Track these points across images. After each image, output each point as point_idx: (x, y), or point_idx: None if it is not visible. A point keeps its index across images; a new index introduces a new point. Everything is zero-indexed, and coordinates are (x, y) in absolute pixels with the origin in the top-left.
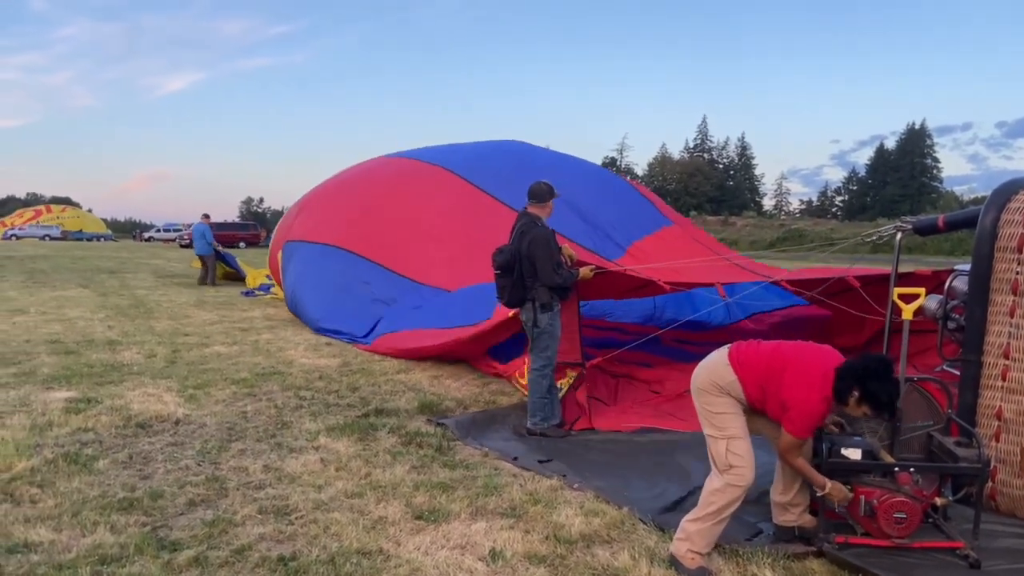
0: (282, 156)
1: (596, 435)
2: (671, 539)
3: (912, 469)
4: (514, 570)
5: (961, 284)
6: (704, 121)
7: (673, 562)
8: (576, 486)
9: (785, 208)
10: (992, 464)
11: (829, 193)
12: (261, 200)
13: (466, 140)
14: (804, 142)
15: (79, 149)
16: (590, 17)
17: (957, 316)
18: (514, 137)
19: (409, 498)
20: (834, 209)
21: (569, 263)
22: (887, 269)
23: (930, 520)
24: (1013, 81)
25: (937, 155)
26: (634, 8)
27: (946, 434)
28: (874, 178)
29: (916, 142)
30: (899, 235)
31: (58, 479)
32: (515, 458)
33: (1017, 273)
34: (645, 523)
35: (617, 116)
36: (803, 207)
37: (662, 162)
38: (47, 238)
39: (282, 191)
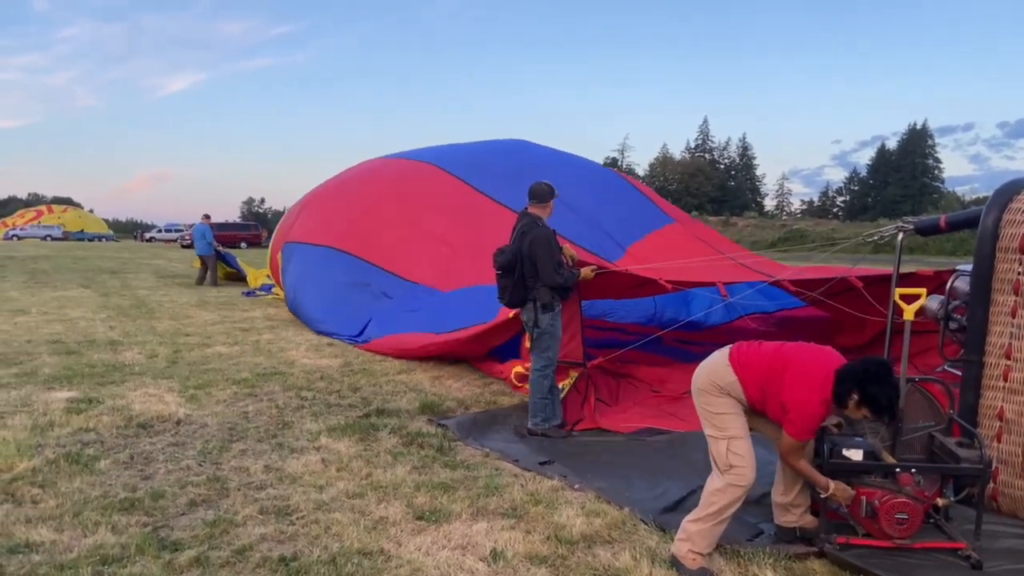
0: (283, 156)
1: (597, 435)
2: (672, 539)
3: (914, 470)
4: (515, 570)
5: (963, 284)
6: (705, 121)
7: (674, 562)
8: (577, 486)
9: (786, 208)
10: (994, 465)
11: (830, 193)
12: (262, 200)
13: (466, 140)
14: (805, 142)
15: (81, 149)
16: (591, 17)
17: (959, 316)
18: (515, 138)
19: (410, 498)
20: (835, 209)
21: (570, 263)
22: (889, 269)
23: (931, 521)
24: (1014, 81)
25: (939, 155)
26: (635, 8)
27: (948, 435)
28: (875, 178)
29: (917, 142)
30: (900, 235)
31: (59, 479)
32: (516, 460)
33: (1019, 273)
34: (646, 523)
35: (618, 116)
36: (804, 207)
37: (663, 162)
38: (48, 238)
39: (283, 191)
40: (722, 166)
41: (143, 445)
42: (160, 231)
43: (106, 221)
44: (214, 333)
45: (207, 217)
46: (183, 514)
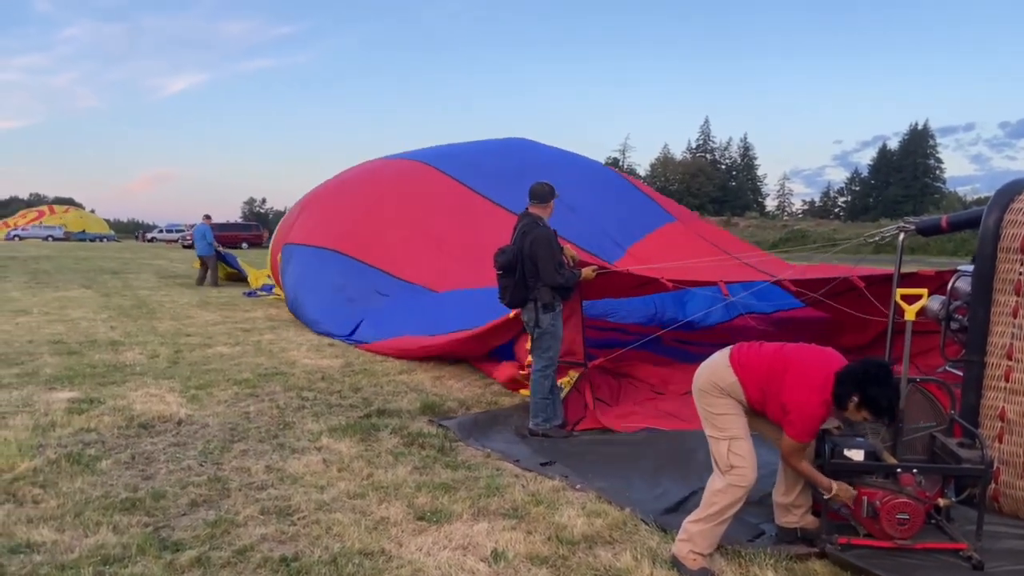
0: (284, 157)
1: (598, 436)
2: (673, 540)
3: (915, 470)
4: (516, 571)
5: (964, 285)
6: (706, 122)
7: (675, 563)
8: (578, 487)
9: (788, 209)
10: (995, 465)
11: (832, 194)
12: (263, 201)
13: (467, 141)
14: (806, 143)
15: (82, 150)
16: (591, 17)
17: (960, 317)
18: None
19: (411, 499)
20: (836, 210)
21: (571, 263)
22: (890, 269)
23: (933, 521)
24: (1016, 81)
25: (940, 155)
26: (636, 8)
27: (949, 435)
28: (877, 179)
29: (919, 142)
30: (902, 236)
31: (60, 479)
32: (517, 460)
33: (1020, 274)
34: (647, 524)
35: (619, 117)
36: (805, 208)
37: (664, 163)
38: (50, 239)
39: (284, 191)
40: (723, 166)
41: (144, 445)
42: (161, 231)
43: (107, 221)
44: (215, 333)
45: (208, 217)
46: (184, 514)
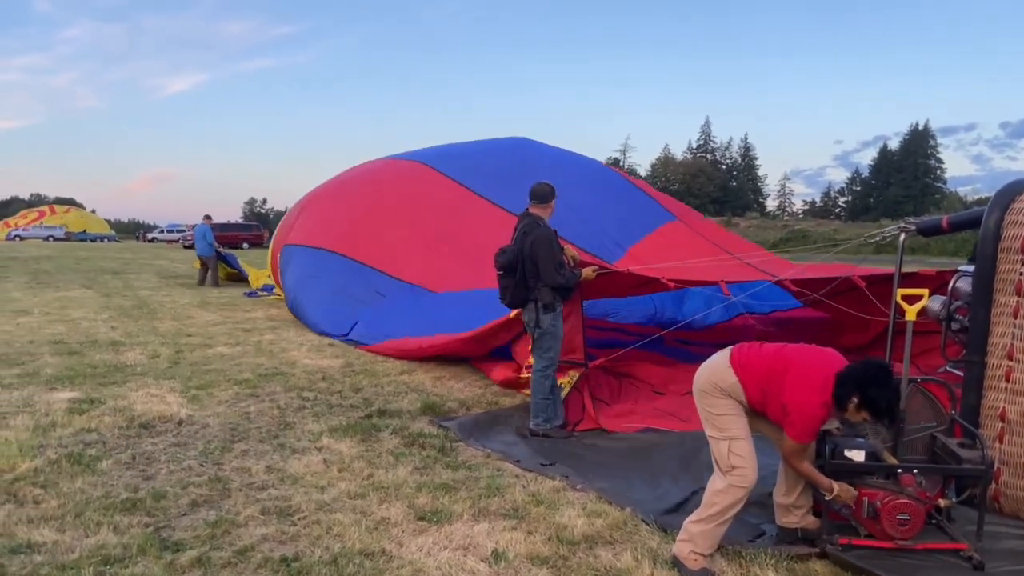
0: (285, 157)
1: (599, 436)
2: (674, 540)
3: (916, 471)
4: (516, 571)
5: (965, 285)
6: (707, 122)
7: (676, 563)
8: (579, 487)
9: (788, 209)
10: (996, 466)
11: (832, 194)
12: (264, 201)
13: (467, 141)
14: (807, 143)
15: (83, 150)
16: (591, 17)
17: (961, 317)
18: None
19: (412, 499)
20: (837, 210)
21: (572, 264)
22: (891, 269)
23: (933, 522)
24: (1017, 81)
25: (941, 156)
26: (636, 8)
27: (950, 435)
28: (877, 179)
29: (919, 143)
30: (902, 236)
31: (61, 480)
32: (517, 460)
33: (1021, 274)
34: (648, 524)
35: (620, 117)
36: (806, 208)
37: (665, 163)
38: (51, 239)
39: (285, 192)
40: (724, 166)
41: (145, 445)
42: (162, 231)
43: (108, 221)
44: (216, 334)
45: (208, 218)
46: (185, 514)
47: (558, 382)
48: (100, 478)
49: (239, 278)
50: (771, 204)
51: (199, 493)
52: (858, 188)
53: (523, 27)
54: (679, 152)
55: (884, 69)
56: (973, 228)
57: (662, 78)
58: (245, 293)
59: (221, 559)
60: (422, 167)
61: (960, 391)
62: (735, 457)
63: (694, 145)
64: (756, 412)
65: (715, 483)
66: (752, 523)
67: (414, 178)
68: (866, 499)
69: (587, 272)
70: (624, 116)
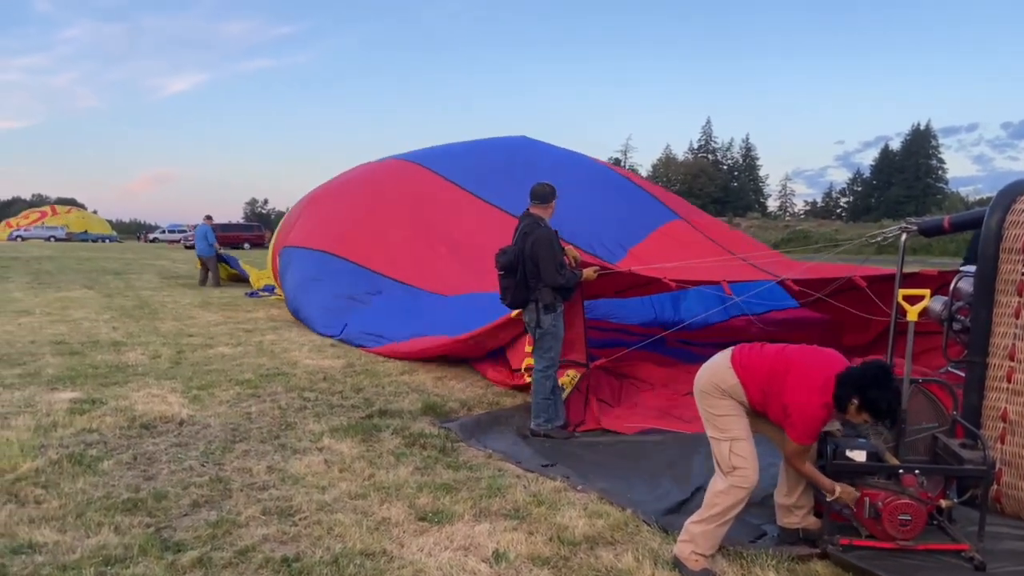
0: (285, 157)
1: (600, 436)
2: (675, 541)
3: (917, 471)
4: (517, 571)
5: (966, 285)
6: (708, 122)
7: (677, 564)
8: (580, 488)
9: (789, 209)
10: (997, 466)
11: (834, 194)
12: (265, 201)
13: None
14: (808, 143)
15: (84, 150)
16: (593, 17)
17: (962, 317)
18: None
19: (413, 499)
20: (839, 210)
21: (573, 264)
22: (892, 270)
23: (935, 522)
24: (1018, 82)
25: (942, 156)
26: (637, 8)
27: (951, 436)
28: (879, 179)
29: (921, 143)
30: (904, 236)
31: (62, 480)
32: (519, 461)
33: (1022, 275)
34: (649, 525)
35: (621, 117)
36: (807, 208)
37: (666, 163)
38: (52, 239)
39: (286, 192)
40: (725, 167)
41: (146, 446)
42: (163, 232)
43: (109, 222)
44: (217, 334)
45: (209, 218)
46: (186, 515)
47: (558, 382)
48: (101, 478)
49: (240, 278)
50: (772, 204)
51: (200, 493)
52: (859, 188)
53: (523, 27)
54: (680, 152)
55: (885, 69)
56: (975, 228)
57: (663, 78)
58: (246, 293)
59: (222, 559)
60: (422, 169)
61: (961, 391)
62: (736, 458)
63: (695, 145)
64: (757, 413)
65: (716, 484)
66: (753, 524)
67: (413, 180)
68: (867, 499)
69: (588, 272)
70: (625, 116)
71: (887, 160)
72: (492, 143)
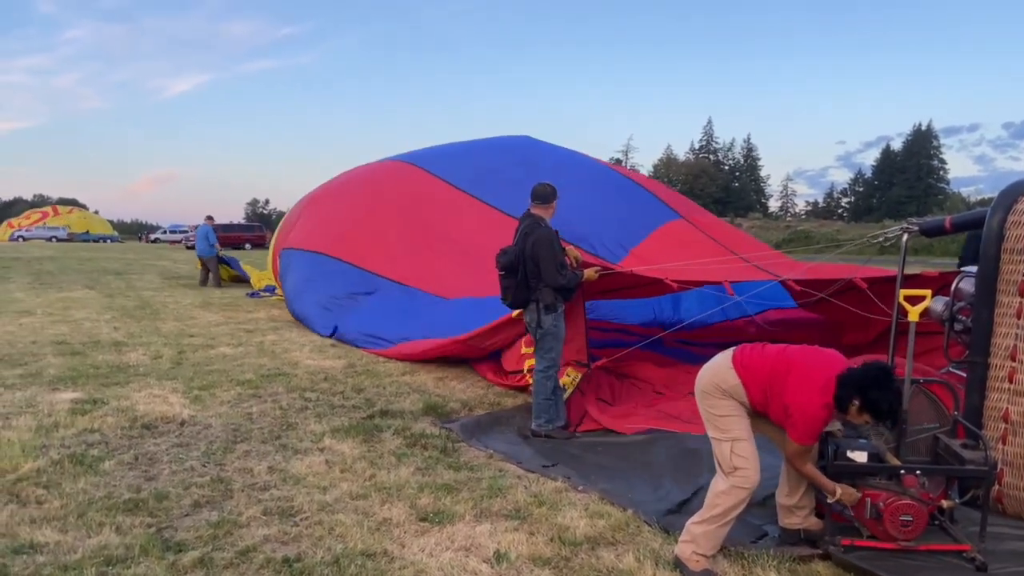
0: (287, 157)
1: (601, 437)
2: (676, 541)
3: (918, 472)
4: (519, 572)
5: (968, 286)
6: (709, 122)
7: (678, 564)
8: (581, 488)
9: (791, 209)
10: (999, 467)
11: (835, 194)
12: (267, 202)
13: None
14: (810, 143)
15: (86, 151)
16: (594, 17)
17: (964, 318)
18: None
19: (414, 500)
20: (840, 210)
21: (574, 264)
22: (893, 270)
23: (936, 523)
24: (1020, 82)
25: (944, 156)
26: (639, 9)
27: (952, 436)
28: (880, 179)
29: (922, 143)
30: (905, 237)
31: (64, 480)
32: (520, 461)
33: None
34: (650, 525)
35: (622, 117)
36: (809, 208)
37: (667, 163)
38: (54, 239)
39: (287, 192)
40: (726, 167)
41: (147, 446)
42: (165, 232)
43: (111, 222)
44: (218, 334)
45: (210, 218)
46: (187, 515)
47: (559, 382)
48: (102, 479)
49: (241, 279)
50: (774, 205)
51: (201, 494)
52: (861, 189)
53: (524, 27)
54: (682, 153)
55: (887, 69)
56: (976, 229)
57: (665, 78)
58: (247, 294)
59: (223, 560)
60: (420, 171)
61: (963, 392)
62: (737, 458)
63: (697, 145)
64: (758, 413)
65: (717, 484)
66: (754, 524)
67: (412, 182)
68: (869, 500)
69: (589, 273)
70: (626, 116)
71: (888, 160)
72: (492, 143)
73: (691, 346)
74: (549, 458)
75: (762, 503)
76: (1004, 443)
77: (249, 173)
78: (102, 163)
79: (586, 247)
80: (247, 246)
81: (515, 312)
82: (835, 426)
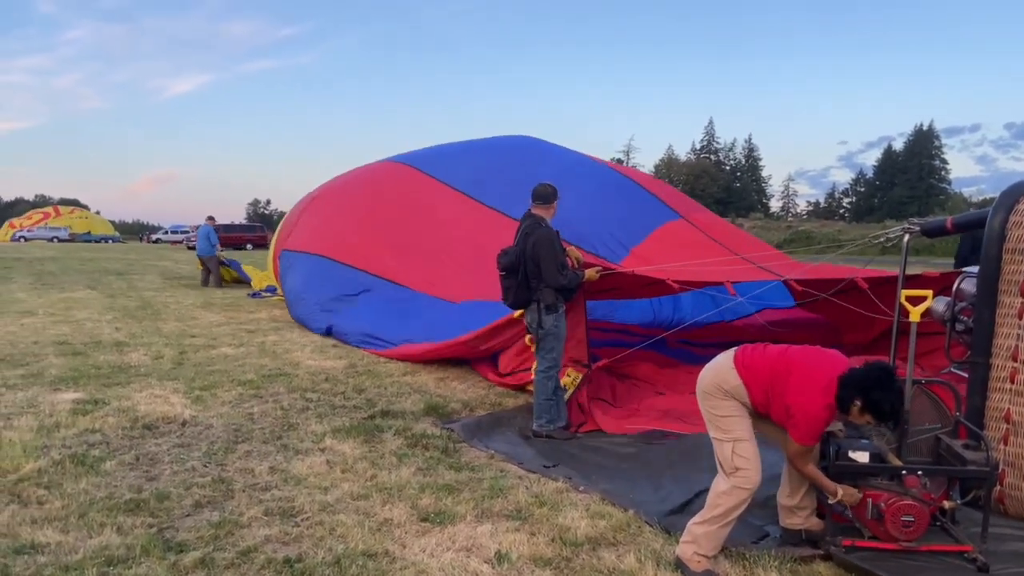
0: (288, 157)
1: (602, 437)
2: (677, 542)
3: (920, 472)
4: (520, 572)
5: (969, 286)
6: (711, 122)
7: (679, 565)
8: (582, 488)
9: (792, 210)
10: (1000, 467)
11: (836, 195)
12: (268, 202)
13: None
14: (811, 143)
15: (87, 151)
16: (595, 17)
17: (965, 318)
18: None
19: (415, 500)
20: (841, 211)
21: (575, 264)
22: (895, 271)
23: (938, 523)
24: (1021, 82)
25: (945, 156)
26: (639, 9)
27: (954, 437)
28: (882, 180)
29: (924, 143)
30: (907, 237)
31: (65, 480)
32: (521, 462)
33: None
34: (651, 526)
35: (623, 118)
36: (810, 209)
37: (669, 163)
38: (55, 240)
39: (289, 192)
40: (728, 167)
41: (148, 446)
42: (166, 232)
43: (112, 223)
44: (219, 335)
45: (211, 219)
46: (188, 515)
47: (560, 382)
48: (104, 479)
49: (243, 280)
50: (775, 205)
51: (202, 494)
52: (862, 189)
53: (524, 27)
54: (683, 153)
55: (888, 70)
56: (978, 229)
57: (666, 79)
58: (249, 294)
59: (224, 560)
60: (419, 173)
61: (964, 392)
62: (739, 459)
63: (698, 146)
64: (760, 414)
65: (719, 485)
66: (756, 525)
67: (413, 184)
68: (870, 501)
69: (590, 273)
70: (627, 117)
71: (890, 160)
72: (492, 143)
73: (692, 346)
74: (550, 458)
75: (763, 503)
76: (1006, 444)
77: (249, 173)
78: (103, 163)
79: (586, 247)
80: (248, 246)
81: (516, 313)
82: (837, 426)
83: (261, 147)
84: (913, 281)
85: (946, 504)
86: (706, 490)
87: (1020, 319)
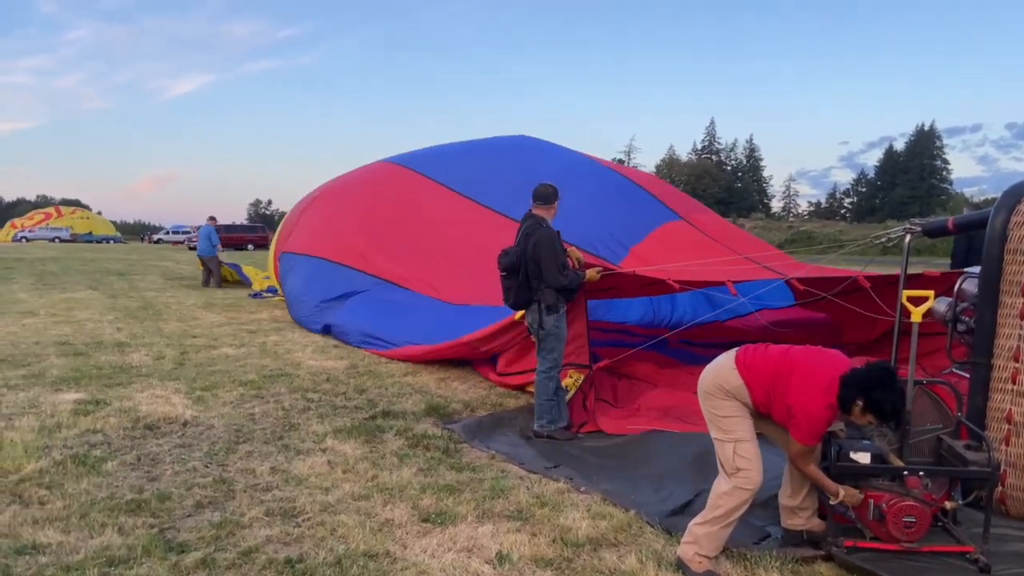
0: (289, 157)
1: (603, 438)
2: (678, 542)
3: (921, 473)
4: (521, 573)
5: (971, 286)
6: (712, 123)
7: (680, 565)
8: (583, 489)
9: (793, 210)
10: (1002, 468)
11: (838, 195)
12: (269, 202)
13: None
14: (812, 144)
15: (88, 151)
16: (595, 17)
17: (967, 319)
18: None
19: (416, 500)
20: (843, 211)
21: (576, 265)
22: (896, 271)
23: (939, 524)
24: (1023, 82)
25: (947, 156)
26: (640, 9)
27: (956, 438)
28: (883, 180)
29: (925, 143)
30: (908, 237)
31: (66, 481)
32: (522, 462)
33: None
34: (652, 526)
35: (625, 117)
36: (811, 209)
37: (670, 164)
38: (57, 240)
39: (290, 193)
40: (729, 167)
41: (150, 447)
42: (168, 233)
43: (114, 223)
44: (221, 335)
45: (212, 219)
46: (189, 516)
47: (561, 383)
48: (105, 479)
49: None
50: (776, 205)
51: (204, 494)
52: (864, 189)
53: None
54: (684, 153)
55: (889, 70)
56: (979, 229)
57: (667, 79)
58: (250, 295)
59: (225, 560)
60: (421, 176)
61: (966, 392)
62: (740, 459)
63: (699, 146)
64: (761, 414)
65: (720, 485)
66: (757, 525)
67: (413, 184)
68: (872, 501)
69: (591, 273)
70: (628, 117)
71: (891, 161)
72: (491, 143)
73: (693, 346)
74: (551, 459)
75: (765, 504)
76: (1007, 444)
77: (250, 173)
78: (105, 164)
79: (587, 247)
80: (250, 247)
81: (517, 314)
82: (838, 427)
83: (262, 147)
84: (914, 281)
85: (948, 505)
86: (707, 491)
87: (1022, 320)
